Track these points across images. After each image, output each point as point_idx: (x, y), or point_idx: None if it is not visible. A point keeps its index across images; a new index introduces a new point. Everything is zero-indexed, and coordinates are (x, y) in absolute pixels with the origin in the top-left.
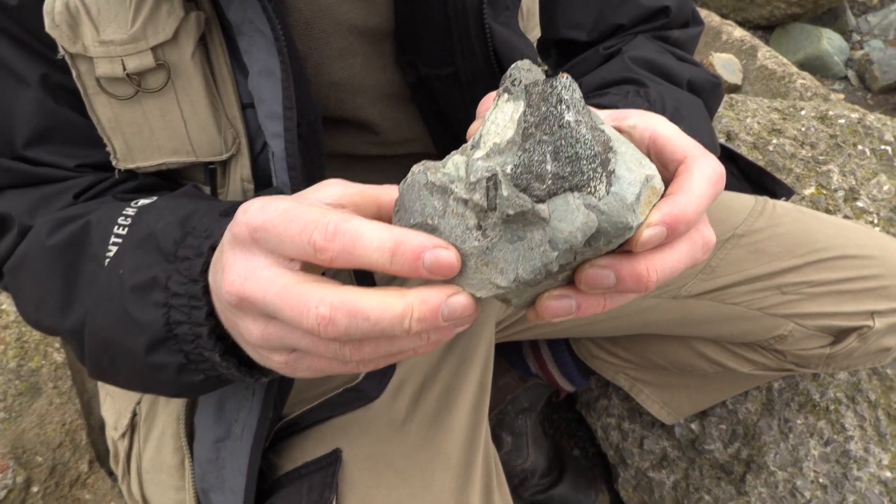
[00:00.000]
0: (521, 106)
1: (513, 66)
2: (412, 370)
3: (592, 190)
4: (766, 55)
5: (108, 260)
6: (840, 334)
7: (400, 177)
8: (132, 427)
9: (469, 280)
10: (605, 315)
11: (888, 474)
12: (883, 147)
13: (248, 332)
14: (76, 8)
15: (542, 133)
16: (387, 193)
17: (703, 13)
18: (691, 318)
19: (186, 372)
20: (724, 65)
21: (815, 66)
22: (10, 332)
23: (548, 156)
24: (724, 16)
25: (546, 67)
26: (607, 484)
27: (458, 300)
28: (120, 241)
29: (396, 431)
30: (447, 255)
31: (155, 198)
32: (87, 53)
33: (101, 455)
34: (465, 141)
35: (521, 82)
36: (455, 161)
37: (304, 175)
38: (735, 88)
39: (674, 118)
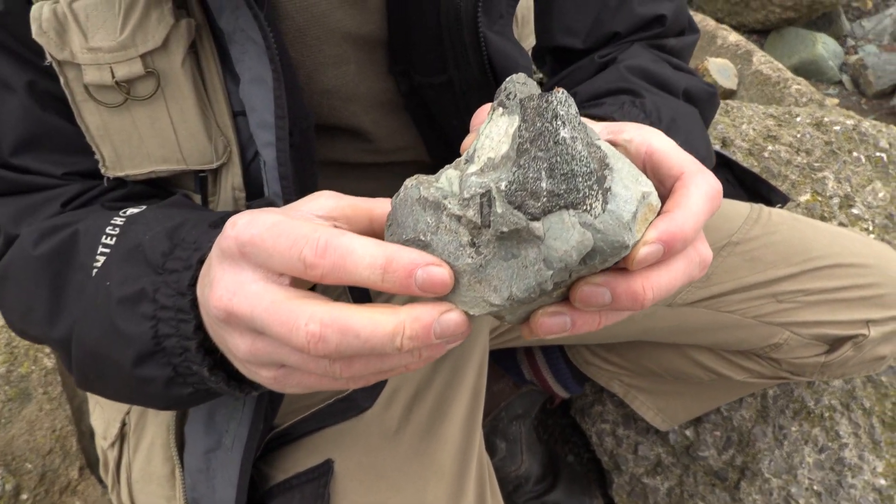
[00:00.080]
0: (515, 120)
1: (507, 79)
2: (405, 379)
3: (588, 208)
4: (762, 60)
5: (95, 270)
6: (835, 343)
7: (393, 184)
8: (121, 436)
9: (462, 297)
10: None
11: (882, 482)
12: (878, 154)
13: (236, 348)
14: (64, 14)
15: (537, 149)
16: (379, 207)
17: (698, 17)
18: (686, 325)
19: (175, 385)
20: (720, 70)
21: (810, 71)
22: None
23: (543, 173)
24: (719, 20)
25: (541, 75)
26: (601, 490)
27: (451, 318)
28: (108, 251)
29: (389, 441)
30: (440, 273)
31: (144, 207)
32: (74, 60)
33: (91, 462)
34: (459, 150)
35: (515, 96)
36: (449, 176)
37: (297, 184)
38: (730, 93)
39: (670, 129)
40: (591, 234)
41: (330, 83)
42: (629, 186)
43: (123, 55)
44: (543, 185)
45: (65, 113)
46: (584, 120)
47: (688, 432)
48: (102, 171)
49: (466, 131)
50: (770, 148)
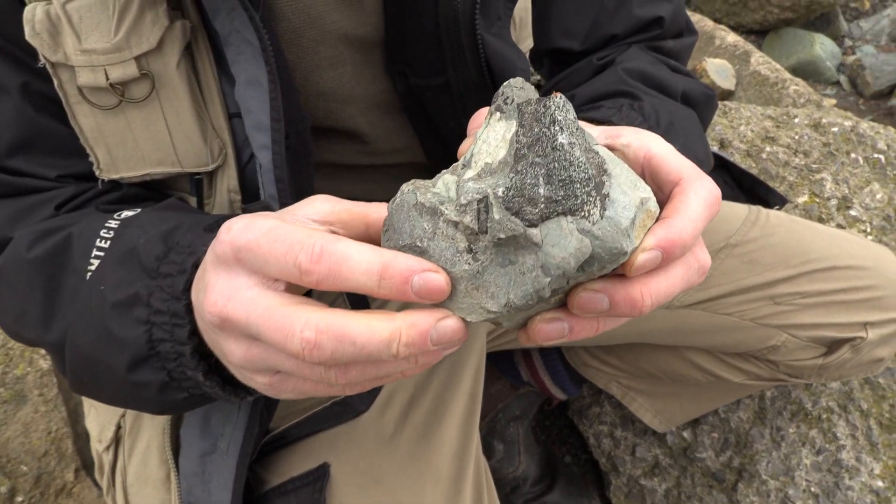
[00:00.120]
0: (513, 125)
1: (505, 84)
2: (401, 383)
3: (586, 214)
4: (760, 61)
5: (89, 274)
6: (833, 345)
7: (391, 186)
8: (117, 440)
9: (459, 304)
10: None
11: (880, 483)
12: (876, 155)
13: (231, 354)
14: (57, 16)
15: (534, 155)
16: (375, 211)
17: (696, 18)
18: (684, 328)
19: (169, 390)
20: (718, 70)
21: (808, 71)
22: None
23: (540, 179)
24: (717, 20)
25: (539, 77)
26: (599, 491)
27: (448, 324)
28: (102, 254)
29: (385, 445)
30: (436, 279)
31: (139, 210)
32: (68, 62)
33: (87, 464)
34: (456, 151)
35: (513, 101)
36: (446, 181)
37: (293, 187)
38: (728, 94)
39: (668, 132)
40: (590, 241)
41: (326, 85)
42: (627, 192)
43: (118, 57)
44: (541, 191)
45: (59, 115)
46: (582, 124)
47: (685, 434)
48: (97, 173)
49: (463, 133)
50: (768, 149)
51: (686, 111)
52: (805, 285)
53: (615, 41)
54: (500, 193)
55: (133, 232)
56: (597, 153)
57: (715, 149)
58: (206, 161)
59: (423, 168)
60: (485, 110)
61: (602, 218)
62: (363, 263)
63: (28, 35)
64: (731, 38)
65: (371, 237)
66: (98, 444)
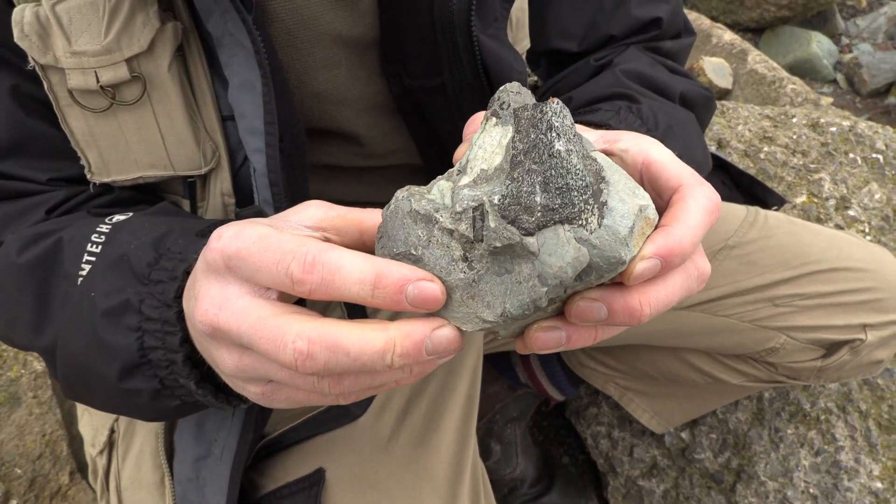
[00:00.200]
0: (509, 131)
1: (501, 88)
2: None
3: (584, 222)
4: (757, 59)
5: (80, 279)
6: (832, 347)
7: (386, 188)
8: (110, 444)
9: (454, 313)
10: None
11: (879, 485)
12: (874, 155)
13: (223, 363)
14: (46, 17)
15: (531, 162)
16: (369, 218)
17: (693, 16)
18: (682, 329)
19: (161, 398)
20: (715, 69)
21: (805, 69)
22: None
23: (537, 186)
24: (713, 18)
25: (535, 78)
26: (597, 492)
27: (443, 334)
28: (93, 259)
29: (382, 450)
30: (431, 288)
31: (130, 214)
32: (58, 64)
33: (82, 466)
34: (452, 153)
35: (509, 106)
36: (441, 187)
37: (287, 190)
38: (725, 93)
39: (666, 135)
40: (587, 250)
41: (321, 86)
42: (626, 200)
43: (108, 59)
44: (538, 199)
45: (49, 117)
46: (579, 128)
47: (683, 435)
48: (88, 177)
49: (459, 135)
50: (766, 149)
51: (684, 113)
52: (804, 287)
53: (613, 42)
54: (496, 201)
55: (124, 237)
56: (594, 160)
57: (713, 149)
58: (199, 164)
59: (419, 170)
60: (481, 115)
61: (600, 226)
62: (356, 273)
63: (17, 37)
64: (728, 36)
65: (365, 244)
66: (92, 449)
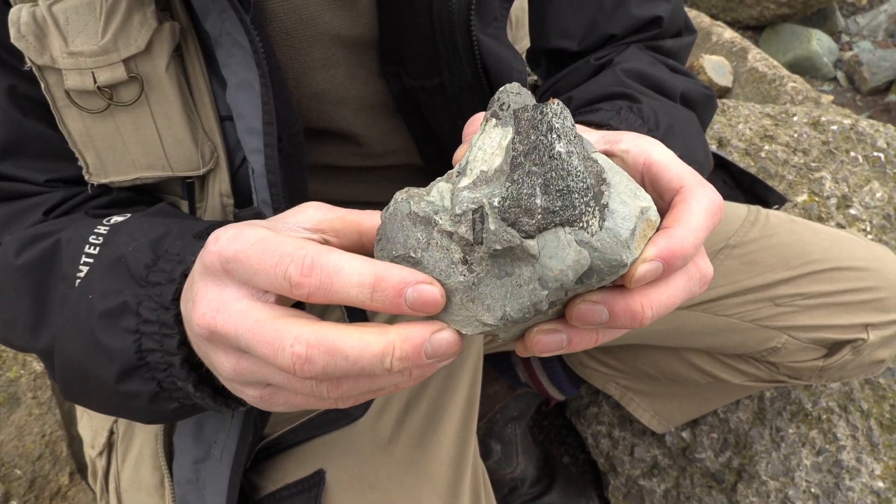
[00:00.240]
0: (509, 132)
1: (500, 89)
2: None
3: (585, 225)
4: (757, 57)
5: (78, 280)
6: (834, 347)
7: (386, 188)
8: (109, 445)
9: (454, 316)
10: None
11: (880, 484)
12: (876, 154)
13: (221, 366)
14: (43, 17)
15: (531, 163)
16: (368, 219)
17: (693, 13)
18: (683, 329)
19: (159, 400)
20: (715, 67)
21: (805, 67)
22: None
23: (537, 188)
24: (713, 16)
25: (535, 78)
26: (597, 492)
27: (443, 337)
28: (91, 260)
29: (382, 451)
30: (431, 291)
31: (128, 215)
32: (55, 65)
33: (82, 467)
34: (452, 153)
35: (509, 107)
36: (440, 189)
37: (286, 191)
38: (726, 91)
39: (667, 135)
40: (588, 253)
41: (319, 86)
42: (627, 202)
43: (105, 60)
44: (538, 201)
45: (47, 118)
46: (580, 128)
47: (684, 434)
48: (86, 177)
49: (459, 135)
50: (767, 148)
51: (685, 113)
52: (806, 286)
53: (613, 41)
54: (495, 203)
55: (122, 239)
56: (595, 161)
57: (713, 148)
58: (197, 165)
59: (419, 170)
60: (480, 115)
61: (601, 229)
62: (355, 276)
63: (13, 37)
64: (728, 34)
65: (364, 246)
66: (91, 450)
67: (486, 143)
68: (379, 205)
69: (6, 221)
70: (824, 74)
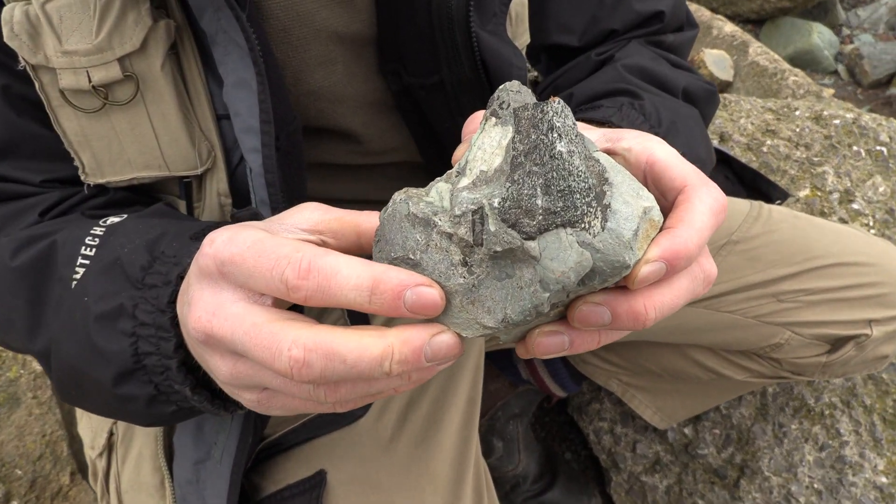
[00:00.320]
0: (509, 132)
1: (500, 87)
2: None
3: (587, 226)
4: (758, 51)
5: (74, 282)
6: (837, 342)
7: (385, 186)
8: (109, 446)
9: (454, 319)
10: None
11: (884, 480)
12: (878, 148)
13: (217, 370)
14: (36, 16)
15: (531, 163)
16: (367, 220)
17: (693, 7)
18: (686, 325)
19: (157, 403)
20: (716, 61)
21: (806, 61)
22: None
23: (538, 189)
24: (713, 10)
25: (535, 74)
26: (599, 488)
27: (443, 340)
28: (87, 262)
29: (383, 451)
30: (430, 294)
31: (125, 216)
32: (49, 64)
33: (83, 467)
34: (452, 151)
35: (509, 105)
36: (439, 189)
37: (284, 191)
38: (727, 85)
39: (669, 132)
40: (590, 254)
41: (317, 84)
42: (629, 202)
43: (100, 58)
44: (539, 202)
45: (41, 118)
46: (581, 126)
47: (687, 430)
48: (82, 178)
49: (459, 132)
50: (769, 142)
51: (688, 109)
52: (809, 282)
53: (614, 36)
54: (495, 204)
55: (118, 240)
56: (597, 161)
57: (715, 143)
58: (195, 164)
59: (419, 167)
60: (480, 114)
61: (603, 230)
62: (353, 278)
63: (6, 37)
64: (729, 28)
65: (363, 247)
66: (91, 451)
67: (485, 143)
68: (378, 203)
69: (1, 223)
70: (825, 68)
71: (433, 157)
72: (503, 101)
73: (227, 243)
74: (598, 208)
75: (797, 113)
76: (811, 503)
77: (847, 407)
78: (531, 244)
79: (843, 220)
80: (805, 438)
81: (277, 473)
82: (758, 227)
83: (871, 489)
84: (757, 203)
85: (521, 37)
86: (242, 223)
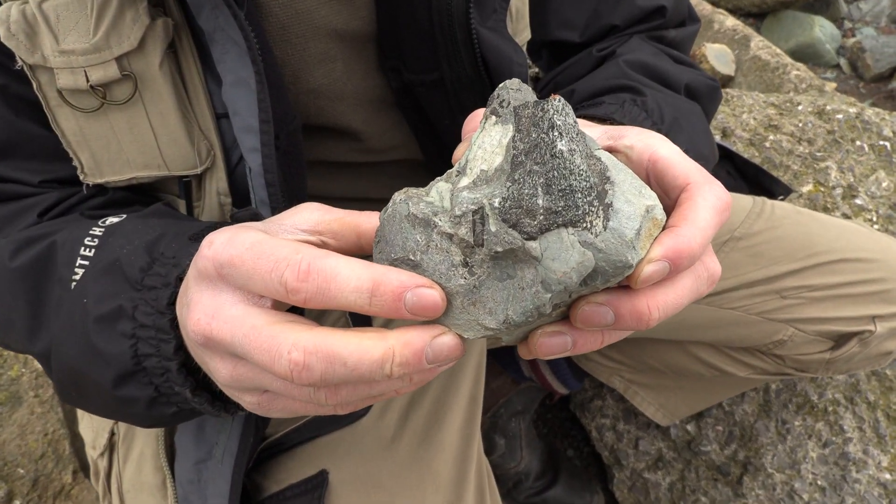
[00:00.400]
0: (509, 130)
1: (500, 86)
2: None
3: (588, 225)
4: (759, 45)
5: (74, 283)
6: (841, 339)
7: (387, 184)
8: (111, 446)
9: (455, 320)
10: None
11: (888, 476)
12: (882, 143)
13: (217, 372)
14: (33, 15)
15: (532, 162)
16: (367, 221)
17: (694, 1)
18: (688, 322)
19: (158, 405)
20: (717, 55)
21: (807, 54)
22: None
23: (539, 188)
24: (714, 4)
25: (537, 70)
26: (602, 485)
27: (444, 342)
28: (87, 263)
29: (385, 450)
30: (431, 295)
31: (124, 216)
32: (46, 64)
33: (85, 465)
34: (453, 149)
35: (509, 104)
36: (439, 189)
37: (284, 190)
38: (728, 80)
39: (672, 128)
40: (592, 254)
41: (317, 82)
42: (632, 201)
43: (97, 58)
44: (540, 201)
45: (39, 118)
46: (583, 123)
47: (689, 427)
48: (81, 178)
49: (459, 130)
50: (771, 138)
51: (690, 105)
52: (812, 279)
53: (616, 32)
54: (496, 204)
55: (117, 241)
56: (598, 159)
57: (717, 138)
58: (194, 163)
59: (420, 165)
60: (480, 112)
61: (605, 229)
62: (353, 280)
63: (3, 37)
64: (730, 21)
65: (363, 248)
66: (92, 451)
67: (486, 142)
68: (379, 201)
69: (1, 224)
70: (827, 62)
71: (434, 155)
72: (503, 100)
73: (226, 245)
74: (600, 207)
75: (800, 108)
76: (815, 500)
77: (851, 403)
78: (532, 244)
79: (846, 216)
80: (808, 435)
81: (279, 473)
82: (760, 223)
83: (875, 486)
84: (760, 199)
85: (522, 33)
86: (241, 224)
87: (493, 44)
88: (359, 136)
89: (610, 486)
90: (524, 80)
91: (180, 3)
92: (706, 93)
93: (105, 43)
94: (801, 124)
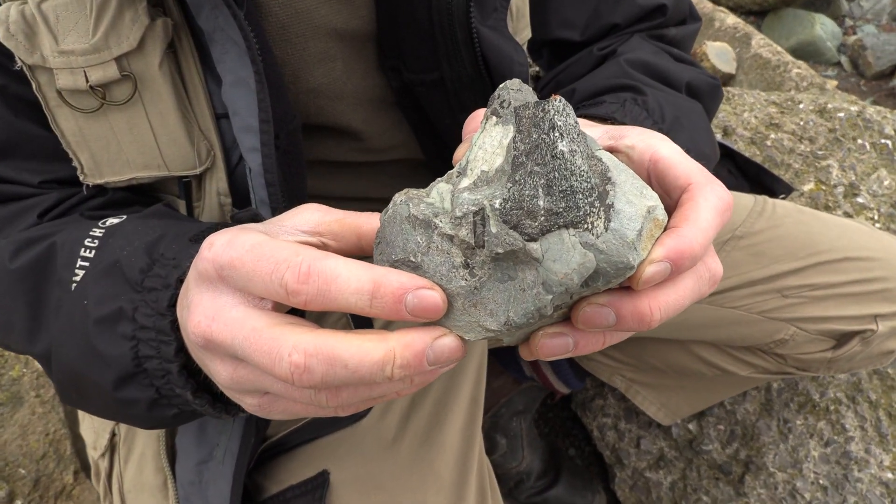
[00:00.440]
0: (510, 131)
1: (501, 86)
2: None
3: (589, 226)
4: (760, 43)
5: (74, 285)
6: (842, 338)
7: (387, 184)
8: (111, 447)
9: (456, 322)
10: None
11: (889, 475)
12: (883, 141)
13: (218, 374)
14: (32, 16)
15: (533, 163)
16: (367, 222)
17: None
18: (690, 322)
19: (159, 407)
20: (718, 54)
21: (808, 52)
22: None
23: (540, 189)
24: (715, 2)
25: (537, 69)
26: (603, 484)
27: (445, 343)
28: (87, 264)
29: (386, 451)
30: (432, 297)
31: (124, 217)
32: (46, 64)
33: (86, 465)
34: (453, 148)
35: (510, 104)
36: (440, 190)
37: (284, 190)
38: (729, 78)
39: (673, 127)
40: (594, 256)
41: (317, 81)
42: (633, 201)
43: (97, 58)
44: (541, 202)
45: (39, 118)
46: (583, 123)
47: (691, 426)
48: (81, 178)
49: (460, 129)
50: (772, 136)
51: (691, 104)
52: (814, 278)
53: (616, 31)
54: (497, 205)
55: (117, 242)
56: (599, 160)
57: (718, 137)
58: (194, 164)
59: (420, 165)
60: (481, 112)
61: (606, 230)
62: (353, 282)
63: (2, 37)
64: (731, 19)
65: (364, 249)
66: (93, 452)
67: (486, 142)
68: (380, 201)
69: (0, 225)
70: (828, 59)
71: (434, 155)
72: (504, 100)
73: (226, 247)
74: (601, 208)
75: (801, 106)
76: (816, 499)
77: (852, 402)
78: (533, 246)
79: (847, 215)
80: (810, 434)
81: (280, 474)
82: (762, 222)
83: (877, 485)
84: (761, 198)
85: (523, 32)
86: (242, 226)
87: (494, 43)
88: (359, 135)
89: (611, 485)
90: (525, 80)
91: (180, 3)
92: (707, 91)
93: (104, 43)
94: (802, 123)
